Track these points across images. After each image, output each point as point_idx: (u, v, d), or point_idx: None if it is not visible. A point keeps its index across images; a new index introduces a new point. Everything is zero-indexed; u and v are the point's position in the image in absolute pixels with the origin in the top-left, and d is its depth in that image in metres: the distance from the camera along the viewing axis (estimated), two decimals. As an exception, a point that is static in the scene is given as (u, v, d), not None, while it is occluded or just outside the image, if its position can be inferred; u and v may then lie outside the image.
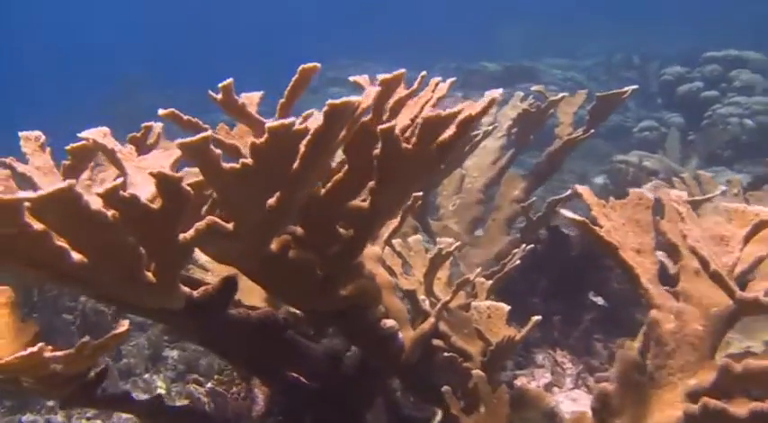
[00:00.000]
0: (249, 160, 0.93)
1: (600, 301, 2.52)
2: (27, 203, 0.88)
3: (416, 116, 1.16)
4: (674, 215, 1.31)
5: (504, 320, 1.70)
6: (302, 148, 0.96)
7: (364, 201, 1.14)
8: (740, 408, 1.01)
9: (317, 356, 1.47)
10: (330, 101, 0.92)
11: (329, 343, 1.51)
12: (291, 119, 0.89)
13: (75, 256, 1.01)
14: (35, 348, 0.91)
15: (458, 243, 1.71)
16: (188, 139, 0.87)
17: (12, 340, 1.14)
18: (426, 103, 1.18)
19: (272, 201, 1.03)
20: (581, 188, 1.36)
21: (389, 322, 1.44)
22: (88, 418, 2.61)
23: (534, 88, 2.74)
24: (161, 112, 1.15)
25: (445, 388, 1.44)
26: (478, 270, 1.65)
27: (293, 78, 1.07)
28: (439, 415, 1.77)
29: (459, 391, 1.63)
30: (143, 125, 1.26)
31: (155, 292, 1.11)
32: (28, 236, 0.94)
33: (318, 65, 1.09)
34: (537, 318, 1.61)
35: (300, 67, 1.06)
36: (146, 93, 10.55)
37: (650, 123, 5.97)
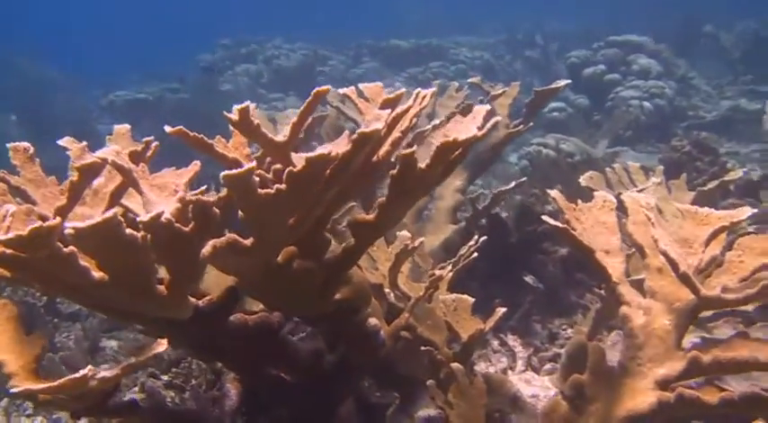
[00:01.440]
0: (283, 186, 0.97)
1: (535, 282, 2.67)
2: (71, 231, 0.90)
3: (407, 128, 1.23)
4: (637, 217, 1.44)
5: (468, 312, 1.81)
6: (328, 172, 1.02)
7: (369, 214, 1.20)
8: (712, 396, 1.15)
9: (302, 355, 1.53)
10: (362, 130, 0.98)
11: (314, 341, 1.56)
12: (327, 150, 0.94)
13: (97, 274, 1.03)
14: (86, 371, 0.92)
15: (422, 239, 1.79)
16: (234, 172, 0.91)
17: (19, 354, 1.14)
18: (415, 115, 1.25)
19: (293, 220, 1.08)
20: (553, 193, 1.47)
21: (373, 320, 1.52)
22: (28, 416, 2.56)
23: (471, 81, 2.85)
24: (168, 130, 1.16)
25: (430, 382, 1.53)
26: (449, 268, 1.74)
27: (307, 100, 1.11)
28: (398, 400, 1.88)
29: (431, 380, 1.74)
30: (144, 140, 1.27)
31: (166, 305, 1.14)
32: (57, 258, 0.96)
33: (329, 87, 1.14)
34: (502, 309, 1.73)
35: (315, 90, 1.11)
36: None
37: (559, 104, 6.25)
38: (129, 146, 1.56)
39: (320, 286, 1.31)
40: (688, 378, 1.25)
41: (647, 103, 5.86)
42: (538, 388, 1.94)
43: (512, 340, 2.30)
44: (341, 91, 1.36)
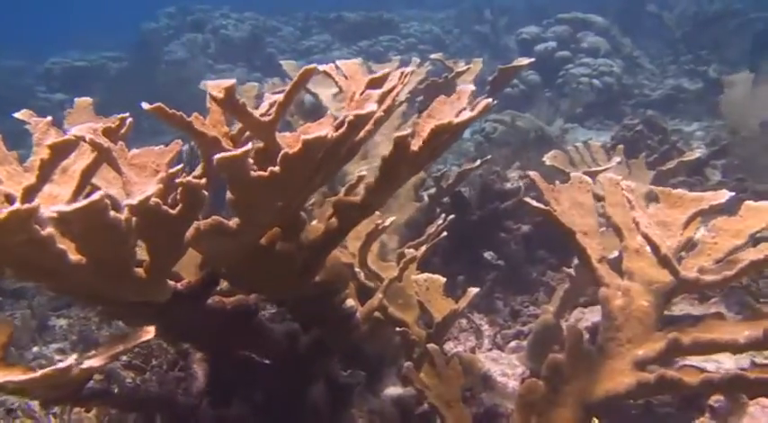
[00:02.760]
0: (277, 168, 0.94)
1: (494, 259, 2.69)
2: (54, 214, 0.85)
3: (389, 107, 1.21)
4: (614, 199, 1.45)
5: (440, 291, 1.80)
6: (321, 155, 0.98)
7: (355, 196, 1.17)
8: (692, 377, 1.17)
9: (277, 337, 1.50)
10: (356, 111, 0.94)
11: (288, 324, 1.53)
12: (325, 132, 0.90)
13: (74, 257, 0.99)
14: (72, 361, 0.88)
15: (392, 218, 1.77)
16: (230, 154, 0.87)
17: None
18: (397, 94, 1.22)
19: (282, 203, 1.04)
20: (532, 174, 1.47)
21: (350, 302, 1.50)
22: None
23: (433, 57, 2.83)
24: (146, 106, 1.10)
25: (407, 364, 1.52)
26: (423, 248, 1.72)
27: (295, 78, 1.07)
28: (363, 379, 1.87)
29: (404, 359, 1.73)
30: (117, 117, 1.20)
31: (145, 287, 1.10)
32: (34, 241, 0.91)
33: (316, 66, 1.10)
34: (474, 290, 1.73)
35: (303, 69, 1.06)
36: None
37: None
38: (90, 120, 1.49)
39: (301, 268, 1.28)
40: (666, 358, 1.28)
41: (596, 81, 5.95)
42: (505, 366, 1.96)
43: (477, 319, 2.31)
44: (321, 68, 1.31)
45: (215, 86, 1.27)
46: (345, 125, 0.95)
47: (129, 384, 1.32)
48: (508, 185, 2.79)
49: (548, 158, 2.40)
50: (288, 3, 11.65)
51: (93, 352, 0.94)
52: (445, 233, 1.95)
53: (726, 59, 7.59)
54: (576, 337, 1.38)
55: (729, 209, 1.37)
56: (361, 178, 1.60)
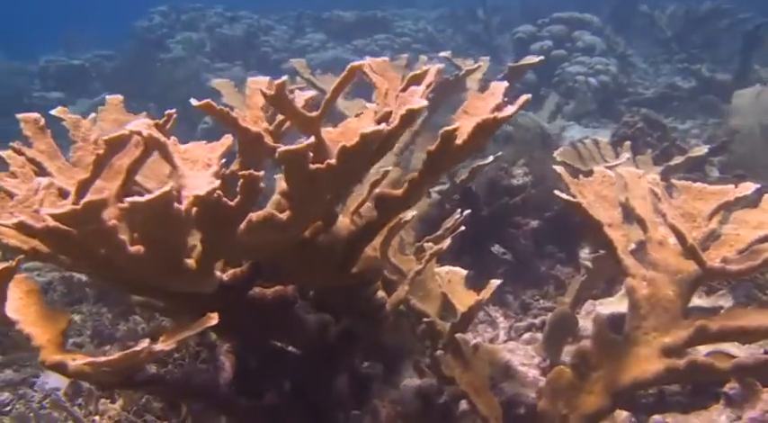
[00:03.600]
0: (334, 161, 0.97)
1: (501, 253, 2.74)
2: (125, 205, 0.88)
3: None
4: (636, 192, 1.50)
5: (462, 284, 1.85)
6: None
7: (397, 188, 1.21)
8: (724, 363, 1.22)
9: (310, 327, 1.53)
10: (409, 106, 0.98)
11: (320, 314, 1.57)
12: (382, 126, 0.94)
13: (132, 248, 1.02)
14: (144, 345, 0.91)
15: (414, 212, 1.81)
16: (293, 148, 0.90)
17: (45, 328, 1.12)
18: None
19: (332, 195, 1.08)
20: (558, 168, 1.51)
21: (381, 293, 1.54)
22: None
23: (442, 55, 2.87)
24: (195, 103, 1.14)
25: (439, 352, 1.56)
26: (447, 241, 1.76)
27: (342, 75, 1.11)
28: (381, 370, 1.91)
29: (429, 352, 1.77)
30: (165, 112, 1.24)
31: (194, 277, 1.14)
32: (101, 231, 0.95)
33: (363, 62, 1.14)
34: (496, 282, 1.77)
35: (349, 65, 1.10)
36: None
37: (506, 80, 6.32)
38: (121, 116, 1.52)
39: (340, 260, 1.32)
40: (691, 346, 1.32)
41: (592, 79, 6.02)
42: (522, 357, 2.00)
43: (493, 311, 2.36)
44: (354, 64, 1.35)
45: (259, 83, 1.31)
46: (398, 119, 0.99)
47: (177, 372, 1.35)
48: (515, 182, 2.84)
49: (558, 155, 2.46)
50: (280, 2, 11.67)
51: (162, 337, 0.97)
52: (463, 227, 1.99)
53: (717, 58, 7.71)
54: (602, 326, 1.43)
55: (750, 202, 1.42)
56: (386, 173, 1.64)
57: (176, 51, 8.67)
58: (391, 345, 1.97)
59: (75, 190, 1.15)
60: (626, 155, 2.42)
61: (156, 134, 1.06)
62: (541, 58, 2.60)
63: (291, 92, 2.90)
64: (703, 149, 2.50)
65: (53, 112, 1.42)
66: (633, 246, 1.53)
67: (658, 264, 1.41)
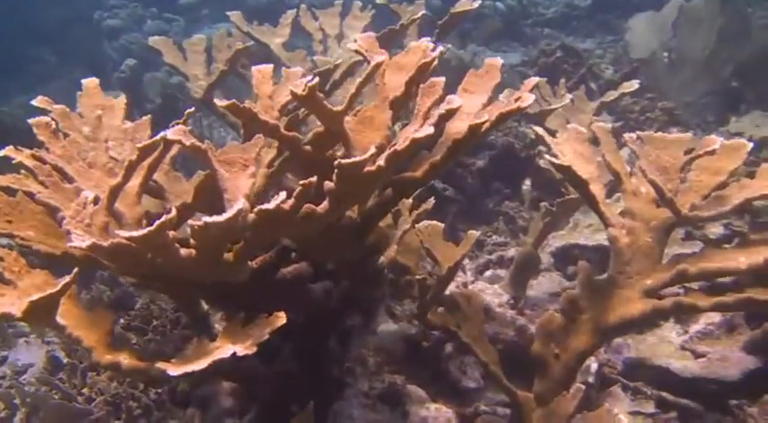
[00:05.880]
0: (383, 162, 1.03)
1: (447, 191, 2.85)
2: (200, 224, 0.92)
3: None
4: (608, 146, 1.63)
5: (441, 236, 1.95)
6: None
7: (417, 170, 1.28)
8: (705, 301, 1.39)
9: (317, 295, 1.61)
10: (449, 106, 1.05)
11: (323, 283, 1.64)
12: (431, 130, 1.01)
13: (184, 252, 1.06)
14: (233, 350, 0.97)
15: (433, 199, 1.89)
16: (354, 160, 0.96)
17: (92, 329, 1.15)
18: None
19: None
20: (539, 130, 1.62)
21: (382, 258, 1.63)
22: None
23: (379, 1, 2.88)
24: (220, 103, 1.16)
25: (440, 309, 1.67)
26: (431, 200, 1.85)
27: (366, 71, 1.15)
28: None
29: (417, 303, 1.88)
30: (186, 112, 1.24)
31: (232, 270, 1.19)
32: (164, 245, 0.99)
33: (384, 58, 1.19)
34: (475, 233, 1.89)
35: (374, 63, 1.15)
36: None
37: (415, 7, 6.33)
38: (100, 101, 1.50)
39: (357, 234, 1.39)
40: (670, 286, 1.49)
41: (499, 4, 6.12)
42: (491, 296, 2.15)
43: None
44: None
45: (264, 72, 1.33)
46: (437, 118, 1.06)
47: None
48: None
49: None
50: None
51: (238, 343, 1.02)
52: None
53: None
54: (586, 272, 1.58)
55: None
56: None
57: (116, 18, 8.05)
58: (370, 296, 2.07)
59: (106, 195, 1.16)
60: (568, 96, 2.55)
61: (197, 143, 1.09)
62: (479, 2, 2.64)
63: (230, 46, 2.83)
64: (634, 85, 2.66)
65: (34, 102, 1.40)
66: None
67: (635, 213, 1.56)
